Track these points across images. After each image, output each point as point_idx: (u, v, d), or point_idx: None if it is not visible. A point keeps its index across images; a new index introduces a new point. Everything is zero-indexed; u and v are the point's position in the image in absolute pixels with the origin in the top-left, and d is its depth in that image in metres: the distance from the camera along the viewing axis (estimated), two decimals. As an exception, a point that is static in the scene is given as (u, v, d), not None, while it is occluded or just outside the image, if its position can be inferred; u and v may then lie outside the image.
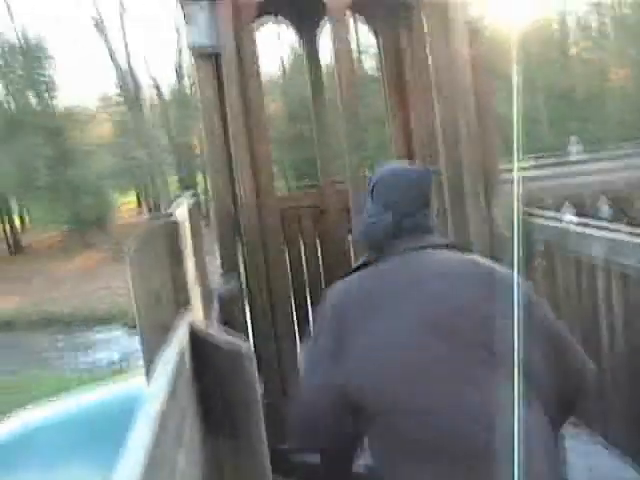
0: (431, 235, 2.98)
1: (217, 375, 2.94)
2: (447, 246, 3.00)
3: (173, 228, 3.25)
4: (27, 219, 56.43)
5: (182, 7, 5.29)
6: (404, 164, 3.57)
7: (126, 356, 24.48)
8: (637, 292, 3.92)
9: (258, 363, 3.18)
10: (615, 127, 33.80)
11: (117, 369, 22.24)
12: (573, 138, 10.91)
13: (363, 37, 38.56)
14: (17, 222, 53.36)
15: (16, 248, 48.18)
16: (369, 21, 7.61)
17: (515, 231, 5.11)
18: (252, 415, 3.05)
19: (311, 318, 7.19)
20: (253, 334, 5.41)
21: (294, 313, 6.27)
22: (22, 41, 44.22)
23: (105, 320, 31.33)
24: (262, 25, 6.88)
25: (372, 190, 3.07)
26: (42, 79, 44.97)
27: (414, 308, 2.68)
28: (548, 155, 7.92)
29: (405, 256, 2.85)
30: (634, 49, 35.08)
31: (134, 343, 25.11)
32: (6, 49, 46.06)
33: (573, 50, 39.11)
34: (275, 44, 43.49)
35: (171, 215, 3.57)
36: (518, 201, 5.11)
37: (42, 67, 45.17)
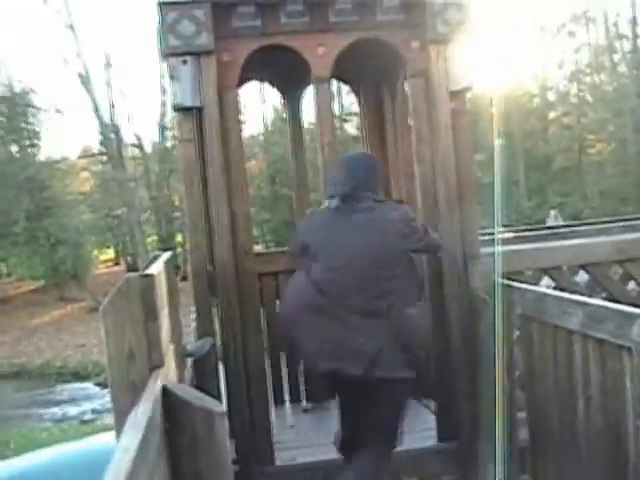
0: (361, 201, 4.69)
1: (189, 435, 2.91)
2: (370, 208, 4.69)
3: (148, 283, 3.23)
4: (4, 270, 56.12)
5: (167, 63, 5.32)
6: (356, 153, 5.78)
7: (97, 412, 24.18)
8: (614, 360, 3.91)
9: (230, 426, 3.15)
10: (595, 199, 34.12)
11: (87, 425, 21.93)
12: (553, 212, 11.05)
13: (345, 100, 38.97)
14: (-7, 272, 53.10)
15: (-9, 298, 47.87)
16: (352, 86, 7.71)
17: (492, 295, 5.12)
18: (223, 475, 3.01)
19: (285, 382, 7.17)
20: (227, 395, 5.36)
21: (268, 375, 6.22)
22: (7, 91, 44.32)
23: (77, 375, 31.01)
24: (246, 82, 6.95)
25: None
26: (25, 129, 45.02)
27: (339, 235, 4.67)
28: (528, 228, 7.99)
29: (339, 208, 4.72)
30: (613, 119, 35.58)
31: (105, 399, 24.84)
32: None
33: (552, 116, 39.55)
34: (257, 101, 43.91)
35: (147, 271, 3.56)
36: (498, 265, 5.13)
37: (26, 117, 45.26)
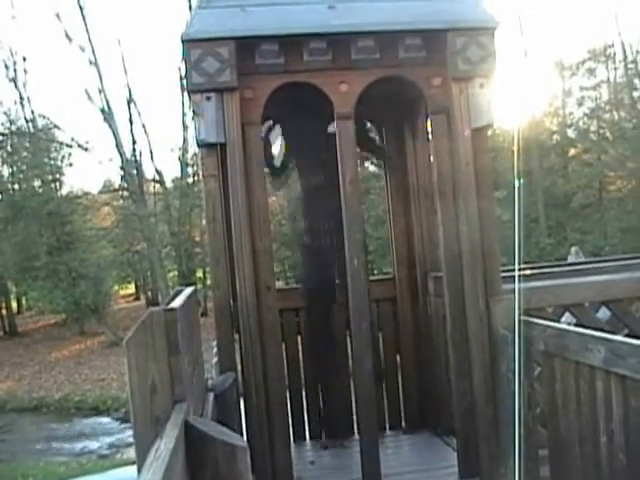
0: None
1: (210, 469, 2.91)
2: None
3: (172, 317, 3.24)
4: (24, 303, 56.28)
5: (191, 99, 5.37)
6: None
7: (116, 446, 24.12)
8: (636, 395, 3.89)
9: (251, 461, 3.15)
10: (616, 236, 33.94)
11: (106, 459, 21.88)
12: (574, 248, 11.00)
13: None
14: (14, 306, 53.22)
15: (11, 332, 47.94)
16: (374, 123, 7.73)
17: (514, 332, 5.11)
18: (243, 512, 3.00)
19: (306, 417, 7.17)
20: (247, 431, 5.35)
21: (289, 412, 6.22)
22: (30, 126, 44.67)
23: (96, 409, 30.98)
24: (268, 120, 6.99)
25: None
26: (48, 164, 45.34)
27: None
28: (549, 265, 7.96)
29: None
30: (632, 156, 35.43)
31: (124, 434, 24.80)
32: (14, 134, 46.58)
33: (572, 153, 39.40)
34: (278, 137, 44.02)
35: (170, 305, 3.58)
36: (519, 302, 5.12)
37: (49, 152, 45.58)
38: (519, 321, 5.13)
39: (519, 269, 5.37)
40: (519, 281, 5.20)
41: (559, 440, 4.81)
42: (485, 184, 5.55)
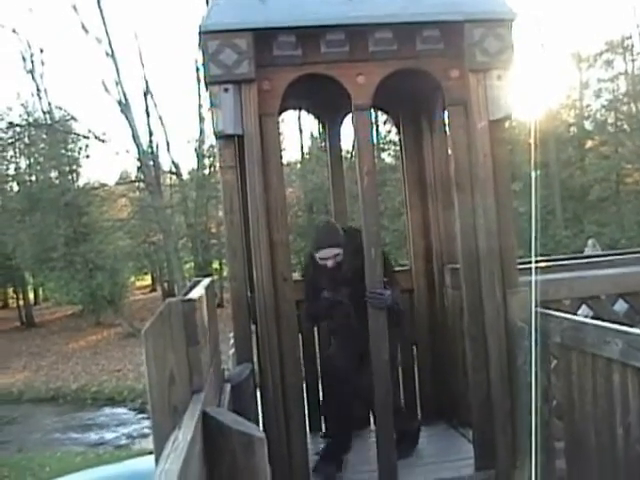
0: None
1: (228, 459, 2.92)
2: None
3: (190, 308, 3.25)
4: (41, 294, 56.58)
5: (209, 91, 5.38)
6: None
7: (132, 437, 24.24)
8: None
9: (268, 452, 3.16)
10: (632, 229, 33.84)
11: (122, 449, 21.98)
12: (590, 241, 10.95)
13: (382, 128, 39.03)
14: (31, 297, 53.53)
15: (29, 323, 48.22)
16: (391, 114, 7.73)
17: (530, 324, 5.10)
18: (261, 502, 3.01)
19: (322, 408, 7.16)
20: (263, 422, 5.36)
21: (306, 401, 6.23)
22: (48, 117, 44.83)
23: (112, 400, 31.12)
24: (285, 110, 7.00)
25: None
26: (65, 156, 45.51)
27: None
28: (566, 257, 7.93)
29: None
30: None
31: (141, 424, 24.91)
32: (32, 126, 46.79)
33: (589, 146, 39.25)
34: (294, 128, 44.14)
35: (188, 295, 3.59)
36: (536, 294, 5.11)
37: (66, 144, 45.76)
38: (536, 313, 5.13)
39: (536, 261, 5.36)
40: (536, 273, 5.20)
41: (575, 433, 4.81)
42: (502, 176, 5.54)
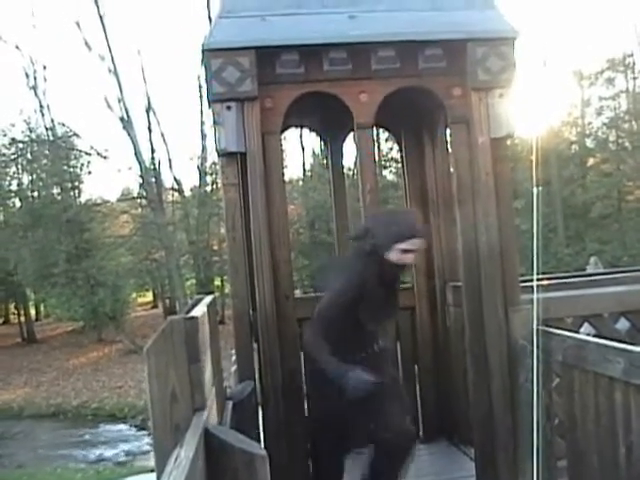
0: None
1: (230, 478, 2.91)
2: None
3: (192, 326, 3.25)
4: (42, 310, 56.55)
5: (212, 109, 5.39)
6: None
7: (133, 454, 24.18)
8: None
9: (269, 470, 3.14)
10: (635, 247, 33.84)
11: (123, 466, 21.93)
12: (593, 259, 10.96)
13: (384, 146, 39.10)
14: (32, 313, 53.50)
15: (30, 339, 48.19)
16: (393, 132, 7.75)
17: (532, 342, 5.10)
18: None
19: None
20: (265, 440, 5.35)
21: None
22: (50, 134, 44.96)
23: (113, 416, 31.09)
24: (288, 128, 7.02)
25: None
26: (67, 172, 45.62)
27: None
28: (568, 275, 7.93)
29: None
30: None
31: (141, 441, 24.85)
32: (34, 142, 46.92)
33: (591, 163, 39.29)
34: (296, 146, 44.17)
35: (190, 313, 3.59)
36: (538, 312, 5.11)
37: (68, 160, 45.87)
38: (538, 331, 5.12)
39: (538, 279, 5.36)
40: (538, 291, 5.20)
41: (577, 451, 4.79)
42: (505, 194, 5.54)
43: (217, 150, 5.43)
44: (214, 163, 40.89)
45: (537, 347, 5.07)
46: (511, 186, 5.90)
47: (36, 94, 43.89)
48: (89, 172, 47.52)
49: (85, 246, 43.23)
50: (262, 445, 5.15)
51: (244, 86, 5.22)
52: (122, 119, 39.81)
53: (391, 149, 38.40)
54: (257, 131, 5.32)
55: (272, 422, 5.37)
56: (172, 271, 41.33)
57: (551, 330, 5.11)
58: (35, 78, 43.47)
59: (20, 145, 48.08)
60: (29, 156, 48.81)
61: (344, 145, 7.35)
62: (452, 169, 6.06)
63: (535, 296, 5.17)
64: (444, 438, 7.10)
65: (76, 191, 47.35)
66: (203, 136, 42.77)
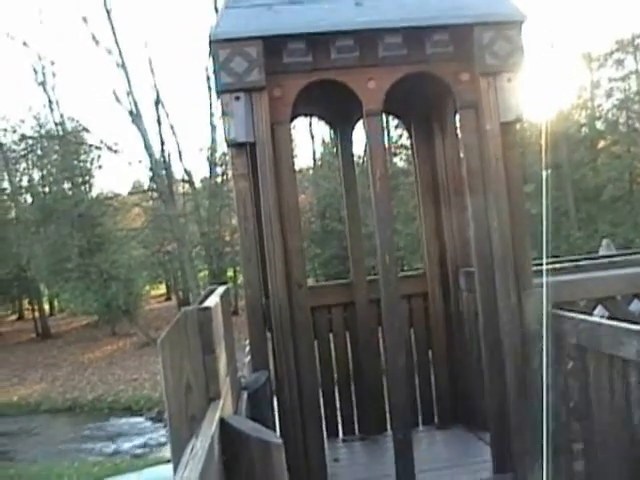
0: None
1: (246, 466, 2.92)
2: None
3: (206, 316, 3.26)
4: (57, 305, 56.69)
5: (220, 100, 5.39)
6: None
7: (149, 446, 24.25)
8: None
9: (285, 458, 3.15)
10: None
11: (139, 459, 21.99)
12: (605, 241, 10.90)
13: (393, 133, 39.00)
14: (46, 308, 53.64)
15: (44, 334, 48.33)
16: (402, 119, 7.73)
17: (545, 326, 5.09)
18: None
19: (339, 414, 7.17)
20: (280, 428, 5.37)
21: (322, 408, 6.23)
22: (60, 129, 45.02)
23: (129, 409, 31.16)
24: (297, 117, 7.01)
25: None
26: (78, 167, 45.68)
27: None
28: (579, 258, 7.88)
29: None
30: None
31: (157, 433, 24.92)
32: (44, 137, 46.99)
33: (601, 146, 39.03)
34: (306, 135, 44.11)
35: (204, 304, 3.59)
36: (548, 296, 5.10)
37: (78, 155, 45.92)
38: (551, 315, 5.12)
39: (550, 263, 5.35)
40: (550, 275, 5.19)
41: (593, 434, 4.79)
42: (515, 179, 5.53)
43: (226, 141, 5.43)
44: (224, 154, 40.83)
45: (551, 331, 5.06)
46: (521, 170, 5.88)
47: (45, 90, 43.98)
48: (99, 166, 47.65)
49: (97, 240, 43.29)
50: (277, 433, 5.16)
51: (252, 76, 5.22)
52: (131, 112, 39.82)
53: (401, 136, 38.23)
54: (266, 121, 5.32)
55: (287, 410, 5.38)
56: (184, 263, 41.37)
57: (564, 313, 5.11)
58: (44, 74, 43.55)
59: (30, 141, 48.15)
60: (39, 152, 48.91)
61: (353, 133, 7.34)
62: (462, 154, 6.05)
63: (547, 279, 5.17)
64: (459, 423, 7.10)
65: (87, 185, 47.49)
66: (212, 127, 42.77)
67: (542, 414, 5.05)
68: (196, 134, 76.15)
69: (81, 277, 42.24)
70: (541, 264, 5.51)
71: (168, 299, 55.58)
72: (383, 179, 5.58)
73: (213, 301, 3.81)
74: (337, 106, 6.79)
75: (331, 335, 7.11)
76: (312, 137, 44.05)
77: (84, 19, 39.57)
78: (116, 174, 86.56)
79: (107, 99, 56.66)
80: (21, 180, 50.26)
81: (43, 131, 47.39)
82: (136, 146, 45.52)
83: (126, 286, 42.79)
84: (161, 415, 25.73)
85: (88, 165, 47.32)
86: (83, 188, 46.69)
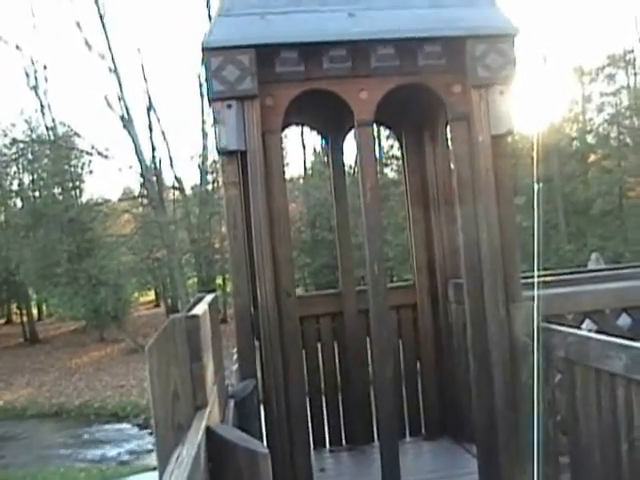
0: None
1: (232, 476, 2.92)
2: None
3: (194, 324, 3.26)
4: (45, 310, 56.53)
5: (212, 108, 5.40)
6: None
7: (135, 453, 24.18)
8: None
9: (272, 468, 3.14)
10: (636, 243, 33.76)
11: (126, 465, 21.93)
12: (594, 255, 10.92)
13: (384, 144, 39.03)
14: (35, 312, 53.48)
15: (32, 338, 48.18)
16: (393, 129, 7.75)
17: (534, 339, 5.10)
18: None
19: (326, 424, 7.16)
20: (267, 438, 5.36)
21: (310, 418, 6.22)
22: (51, 134, 44.95)
23: (116, 415, 31.07)
24: (288, 126, 7.02)
25: None
26: (68, 172, 45.61)
27: None
28: (569, 272, 7.91)
29: None
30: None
31: (144, 440, 24.85)
32: (35, 142, 46.92)
33: (592, 160, 39.13)
34: (297, 144, 44.12)
35: (192, 311, 3.59)
36: (539, 309, 5.11)
37: (69, 160, 45.85)
38: (539, 328, 5.12)
39: (539, 276, 5.36)
40: (539, 288, 5.20)
41: (580, 447, 4.79)
42: (505, 190, 5.54)
43: (217, 148, 5.43)
44: (215, 162, 40.83)
45: (539, 343, 5.07)
46: (511, 182, 5.90)
47: (37, 94, 43.83)
48: (90, 172, 47.53)
49: (87, 245, 43.19)
50: (264, 442, 5.16)
51: (244, 84, 5.23)
52: (123, 118, 39.75)
53: (392, 147, 38.31)
54: (257, 129, 5.32)
55: (274, 420, 5.37)
56: (174, 270, 41.28)
57: (553, 326, 5.12)
58: (36, 78, 43.39)
59: (21, 145, 48.06)
60: (30, 156, 48.79)
61: (345, 143, 7.35)
62: (452, 166, 6.06)
63: (537, 292, 5.18)
64: (446, 435, 7.10)
65: (77, 191, 47.36)
66: (204, 135, 42.74)
67: (529, 427, 5.05)
68: (187, 141, 76.10)
69: (70, 282, 42.13)
70: (530, 277, 5.52)
71: (157, 306, 55.47)
72: (374, 189, 5.59)
73: (201, 309, 3.81)
74: (329, 116, 6.80)
75: (319, 345, 7.11)
76: (303, 146, 44.09)
77: (77, 24, 39.54)
78: (107, 180, 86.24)
79: (99, 104, 56.56)
80: (11, 184, 50.14)
81: (34, 135, 47.25)
82: (127, 152, 45.44)
83: (115, 292, 42.70)
84: (148, 422, 25.65)
85: (79, 170, 47.21)
86: (73, 193, 46.57)
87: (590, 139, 40.08)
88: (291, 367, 5.43)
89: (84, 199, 47.53)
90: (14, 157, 48.71)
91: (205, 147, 43.15)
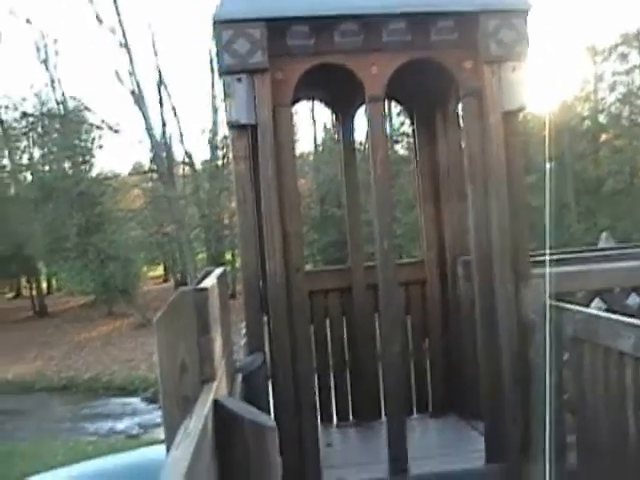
0: None
1: (239, 448, 2.92)
2: None
3: (202, 297, 3.25)
4: (54, 284, 56.69)
5: (222, 81, 5.37)
6: None
7: (143, 427, 24.28)
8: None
9: (279, 441, 3.14)
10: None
11: (134, 439, 22.02)
12: (604, 234, 10.87)
13: (395, 120, 38.92)
14: (44, 286, 53.63)
15: (41, 312, 48.33)
16: (404, 105, 7.70)
17: (542, 316, 5.09)
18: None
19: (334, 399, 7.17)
20: (275, 412, 5.37)
21: (317, 392, 6.23)
22: (61, 108, 44.95)
23: (124, 389, 31.20)
24: (299, 101, 6.99)
25: None
26: (78, 146, 45.59)
27: None
28: (580, 250, 7.88)
29: None
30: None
31: (152, 414, 24.96)
32: (45, 116, 46.91)
33: (603, 139, 38.95)
34: (307, 120, 44.01)
35: (200, 285, 3.59)
36: (548, 287, 5.09)
37: (79, 134, 45.84)
38: (548, 306, 5.11)
39: (549, 254, 5.34)
40: (549, 266, 5.18)
41: (587, 426, 4.79)
42: (516, 168, 5.52)
43: (228, 122, 5.41)
44: (225, 137, 40.75)
45: (548, 321, 5.06)
46: (522, 160, 5.86)
47: (47, 68, 43.89)
48: (100, 146, 47.50)
49: (96, 220, 43.22)
50: (272, 416, 5.16)
51: (255, 58, 5.20)
52: (133, 93, 39.72)
53: (403, 124, 38.18)
54: (268, 103, 5.30)
55: (282, 394, 5.38)
56: (183, 245, 41.36)
57: (562, 305, 5.10)
58: (46, 52, 43.47)
59: (31, 119, 48.04)
60: (40, 130, 48.81)
61: (355, 119, 7.32)
62: (463, 142, 6.03)
63: (546, 270, 5.16)
64: (453, 412, 7.10)
65: (87, 165, 47.34)
66: (214, 110, 42.69)
67: (537, 405, 5.05)
68: (198, 116, 76.03)
69: (79, 256, 42.24)
70: (540, 255, 5.50)
71: (165, 281, 55.52)
72: (384, 163, 5.57)
73: (210, 282, 3.80)
74: (339, 90, 6.76)
75: (327, 320, 7.10)
76: (314, 122, 43.98)
77: (88, -3, 39.40)
78: (117, 154, 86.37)
79: (109, 79, 56.49)
80: (21, 158, 50.22)
81: (44, 109, 47.25)
82: (137, 127, 45.38)
83: (124, 266, 42.80)
84: (156, 396, 25.70)
85: (89, 144, 47.20)
86: (83, 167, 46.55)
87: (602, 118, 39.86)
88: (299, 342, 5.43)
89: (94, 173, 47.55)
90: (24, 131, 48.75)
91: (215, 122, 43.11)
